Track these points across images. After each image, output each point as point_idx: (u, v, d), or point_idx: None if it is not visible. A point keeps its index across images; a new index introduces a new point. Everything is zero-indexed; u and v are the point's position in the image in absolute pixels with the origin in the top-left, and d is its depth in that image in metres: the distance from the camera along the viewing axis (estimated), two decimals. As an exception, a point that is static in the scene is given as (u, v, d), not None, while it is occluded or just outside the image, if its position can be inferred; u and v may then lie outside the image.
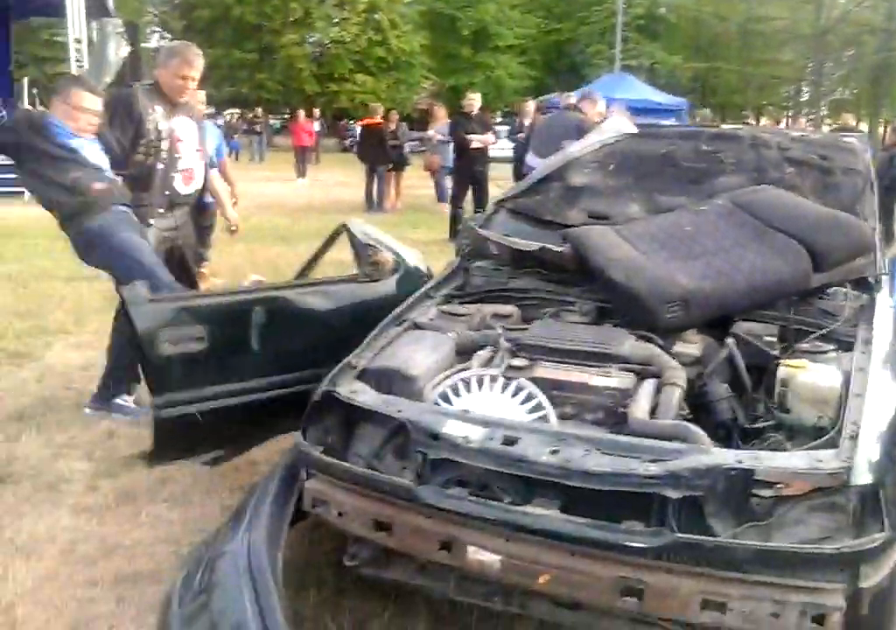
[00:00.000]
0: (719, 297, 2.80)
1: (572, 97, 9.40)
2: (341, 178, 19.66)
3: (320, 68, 35.13)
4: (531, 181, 3.78)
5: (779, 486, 2.09)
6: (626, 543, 2.03)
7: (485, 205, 10.60)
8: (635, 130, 4.00)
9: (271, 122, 33.81)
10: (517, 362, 2.64)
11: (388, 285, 3.43)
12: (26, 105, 15.39)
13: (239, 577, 2.14)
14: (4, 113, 17.82)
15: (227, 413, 3.07)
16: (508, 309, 3.08)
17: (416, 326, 2.93)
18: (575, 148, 3.92)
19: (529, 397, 2.49)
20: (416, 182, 15.76)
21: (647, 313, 2.76)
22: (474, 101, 10.70)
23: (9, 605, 2.70)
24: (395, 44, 35.05)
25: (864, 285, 3.01)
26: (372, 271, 3.41)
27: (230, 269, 7.93)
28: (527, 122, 13.45)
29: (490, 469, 2.21)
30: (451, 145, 13.65)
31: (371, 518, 2.32)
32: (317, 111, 25.87)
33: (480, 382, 2.57)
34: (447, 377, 2.62)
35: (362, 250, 3.48)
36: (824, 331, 2.75)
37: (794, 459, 2.11)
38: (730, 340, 2.72)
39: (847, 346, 2.68)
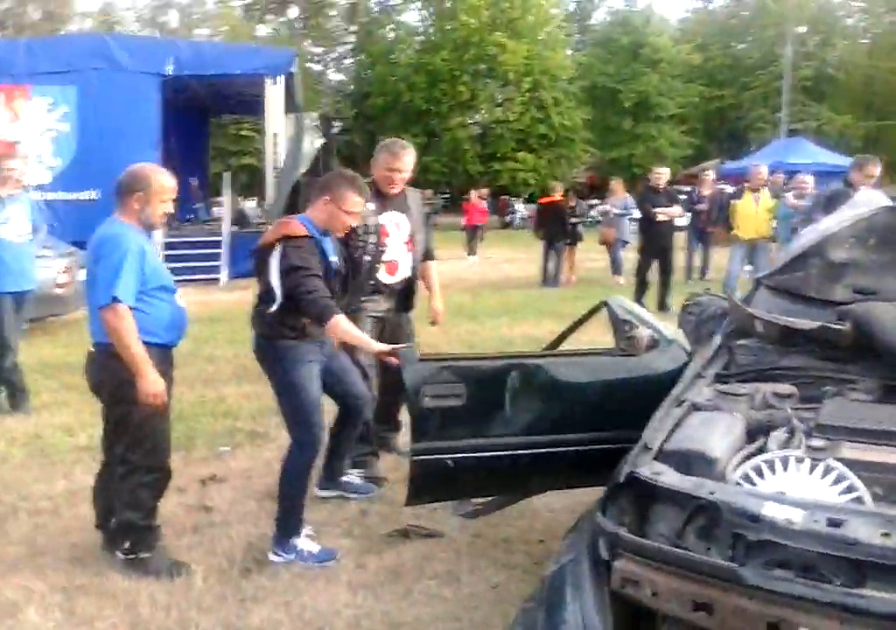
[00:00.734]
0: None
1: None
2: (509, 255, 20.05)
3: (484, 148, 36.14)
4: (789, 258, 3.76)
5: None
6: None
7: (669, 276, 10.59)
8: (890, 203, 3.92)
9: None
10: (817, 443, 2.61)
11: (644, 361, 3.49)
12: (227, 195, 16.50)
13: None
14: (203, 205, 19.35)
15: (477, 465, 3.30)
16: (787, 388, 3.05)
17: (695, 407, 2.95)
18: (829, 222, 3.88)
19: (840, 479, 2.44)
20: (585, 255, 15.85)
21: (952, 391, 2.68)
22: (662, 174, 10.80)
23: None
24: (557, 120, 35.65)
25: None
26: (629, 346, 3.48)
27: (428, 346, 8.19)
28: (706, 192, 13.43)
29: (817, 551, 2.19)
30: (627, 219, 13.85)
31: (690, 599, 2.32)
32: (483, 191, 26.53)
33: (785, 464, 2.54)
34: (746, 459, 2.62)
35: (620, 326, 3.57)
36: None
37: None
38: None
39: None
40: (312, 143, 13.79)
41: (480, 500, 3.77)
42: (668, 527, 2.50)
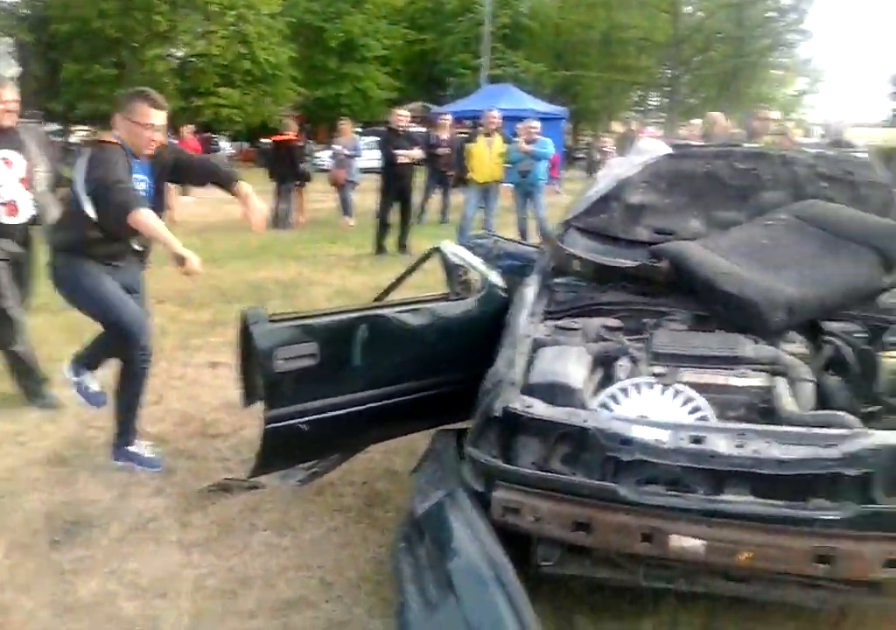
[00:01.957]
0: (813, 302, 3.12)
1: None
2: (228, 195, 19.32)
3: (184, 82, 34.24)
4: (592, 201, 4.01)
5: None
6: (819, 517, 2.31)
7: (409, 217, 10.83)
8: (670, 150, 4.30)
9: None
10: (658, 369, 2.88)
11: (475, 302, 3.60)
12: None
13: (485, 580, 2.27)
14: None
15: (330, 424, 3.23)
16: (614, 321, 3.31)
17: (537, 342, 3.11)
18: (620, 168, 4.19)
19: (687, 400, 2.72)
20: (311, 196, 15.67)
21: (760, 319, 3.04)
22: (402, 117, 10.86)
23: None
24: (262, 56, 34.57)
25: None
26: (463, 290, 3.57)
27: (176, 292, 7.86)
28: (444, 136, 13.73)
29: (684, 466, 2.44)
30: (355, 159, 13.90)
31: (570, 520, 2.49)
32: (190, 127, 25.21)
33: (638, 389, 2.78)
34: (599, 387, 2.84)
35: (454, 271, 3.64)
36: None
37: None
38: (830, 338, 3.05)
39: None
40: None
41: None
42: (538, 455, 2.65)
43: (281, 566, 3.18)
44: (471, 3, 38.45)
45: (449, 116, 14.20)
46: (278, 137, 14.42)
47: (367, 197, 14.78)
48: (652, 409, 2.71)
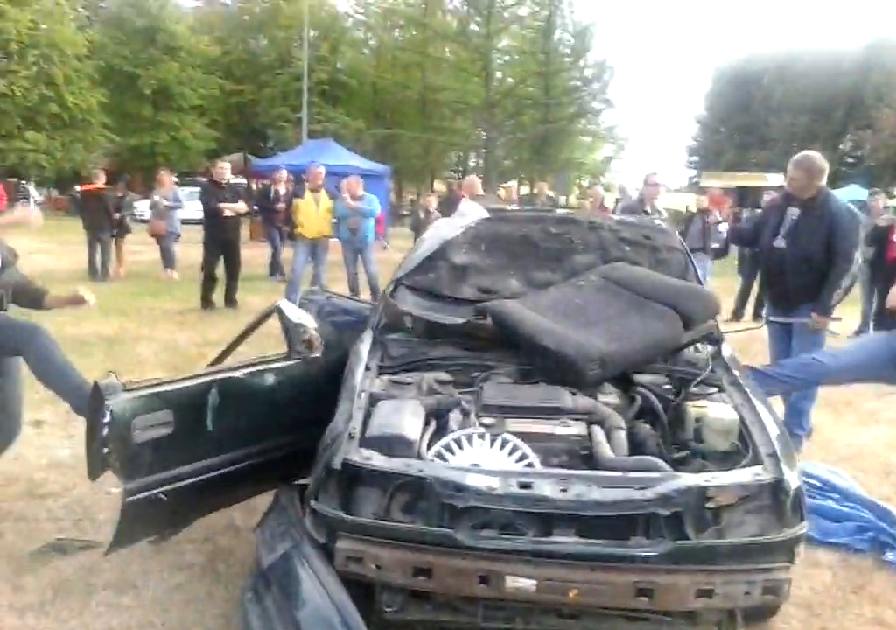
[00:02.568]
0: (623, 356, 3.47)
1: None
2: (41, 244, 18.47)
3: (-17, 123, 32.50)
4: (419, 260, 4.24)
5: (717, 498, 2.76)
6: (638, 554, 2.60)
7: (237, 272, 10.75)
8: (487, 214, 4.62)
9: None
10: (488, 421, 3.12)
11: (317, 362, 3.71)
12: None
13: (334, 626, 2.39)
14: None
15: (187, 492, 3.24)
16: (445, 376, 3.53)
17: (373, 397, 3.28)
18: (443, 229, 4.47)
19: (514, 449, 2.97)
20: (130, 247, 15.25)
21: (576, 372, 3.34)
22: (225, 169, 10.81)
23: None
24: (71, 100, 33.40)
25: (712, 339, 3.85)
26: (304, 349, 3.69)
27: None
28: (282, 190, 13.66)
29: (515, 510, 2.67)
30: (176, 211, 13.69)
31: (411, 566, 2.66)
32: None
33: (470, 440, 3.00)
34: (433, 438, 3.04)
35: (294, 330, 3.74)
36: (702, 377, 3.51)
37: (740, 476, 2.81)
38: (641, 390, 3.40)
39: (720, 387, 3.47)
40: None
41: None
42: (378, 506, 2.82)
43: (124, 625, 3.17)
44: (288, 56, 38.88)
45: (284, 171, 14.21)
46: (86, 187, 14.04)
47: (189, 249, 14.59)
48: (483, 458, 2.94)
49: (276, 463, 3.54)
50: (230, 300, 10.72)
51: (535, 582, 2.61)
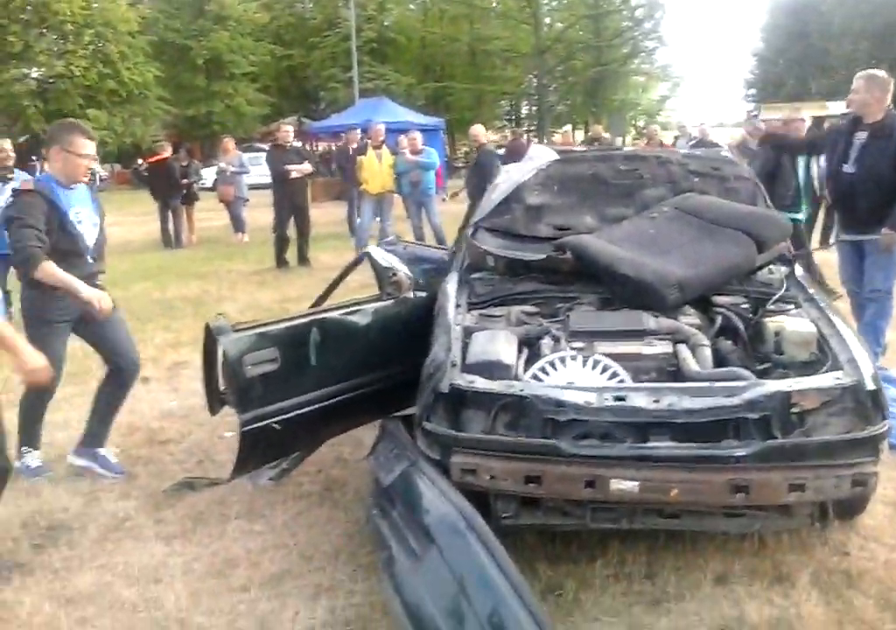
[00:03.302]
0: (699, 280, 3.66)
1: None
2: (112, 218, 19.06)
3: (47, 105, 33.28)
4: (494, 204, 4.46)
5: (801, 403, 2.96)
6: (731, 454, 2.83)
7: (308, 231, 11.07)
8: (557, 156, 4.81)
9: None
10: (578, 344, 3.36)
11: (406, 302, 4.01)
12: None
13: (461, 529, 2.66)
14: None
15: (296, 422, 3.58)
16: (530, 308, 3.77)
17: (468, 329, 3.54)
18: (516, 173, 4.67)
19: (605, 368, 3.21)
20: (202, 214, 15.72)
21: (656, 297, 3.55)
22: (289, 132, 11.11)
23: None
24: (127, 76, 33.99)
25: (785, 261, 4.02)
26: (394, 290, 3.98)
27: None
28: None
29: (612, 421, 2.92)
30: (243, 176, 14.05)
31: (522, 475, 2.93)
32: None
33: (563, 362, 3.24)
34: (528, 362, 3.29)
35: (384, 272, 4.04)
36: (778, 295, 3.69)
37: (821, 380, 3.01)
38: (720, 309, 3.60)
39: (796, 304, 3.64)
40: None
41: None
42: (483, 424, 3.09)
43: (260, 547, 3.51)
44: (335, 17, 38.81)
45: (358, 130, 14.37)
46: (153, 158, 14.49)
47: (257, 213, 15.00)
48: (577, 377, 3.18)
49: (375, 395, 3.84)
50: (303, 258, 11.07)
51: (637, 483, 2.84)
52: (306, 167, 10.95)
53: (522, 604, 2.32)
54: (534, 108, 43.50)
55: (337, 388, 3.73)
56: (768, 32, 51.34)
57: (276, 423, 3.48)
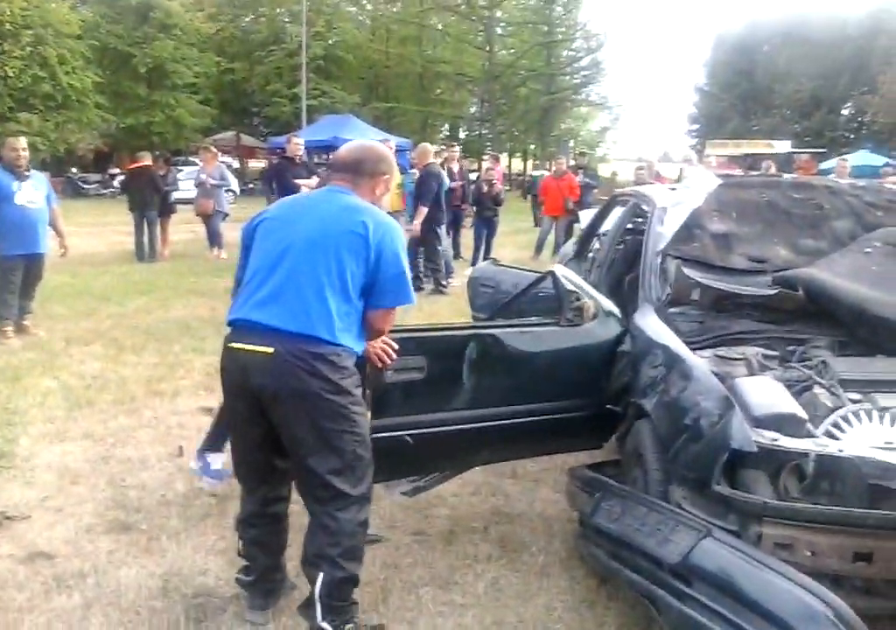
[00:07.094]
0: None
1: None
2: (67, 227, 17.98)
3: (-26, 106, 31.63)
4: (677, 229, 4.00)
5: None
6: None
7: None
8: (719, 180, 4.38)
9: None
10: (855, 396, 2.96)
11: (588, 330, 3.57)
12: None
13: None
14: None
15: (434, 439, 3.22)
16: (766, 351, 3.34)
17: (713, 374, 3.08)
18: (682, 195, 4.24)
19: (905, 424, 2.81)
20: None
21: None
22: (300, 146, 10.58)
23: None
24: (66, 80, 32.52)
25: None
26: (576, 316, 3.55)
27: (94, 334, 7.55)
28: (455, 168, 12.58)
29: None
30: (223, 190, 13.35)
31: (851, 551, 2.49)
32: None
33: (858, 417, 2.83)
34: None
35: (566, 296, 3.62)
36: None
37: None
38: None
39: None
40: None
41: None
42: (776, 487, 2.64)
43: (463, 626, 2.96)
44: (281, 32, 38.14)
45: (457, 147, 13.83)
46: (133, 165, 13.65)
47: (232, 228, 14.19)
48: (878, 434, 2.77)
49: (534, 428, 3.43)
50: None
51: None
52: (313, 182, 10.40)
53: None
54: (474, 132, 43.48)
55: (488, 412, 3.33)
56: (712, 68, 52.56)
57: (409, 435, 3.13)
